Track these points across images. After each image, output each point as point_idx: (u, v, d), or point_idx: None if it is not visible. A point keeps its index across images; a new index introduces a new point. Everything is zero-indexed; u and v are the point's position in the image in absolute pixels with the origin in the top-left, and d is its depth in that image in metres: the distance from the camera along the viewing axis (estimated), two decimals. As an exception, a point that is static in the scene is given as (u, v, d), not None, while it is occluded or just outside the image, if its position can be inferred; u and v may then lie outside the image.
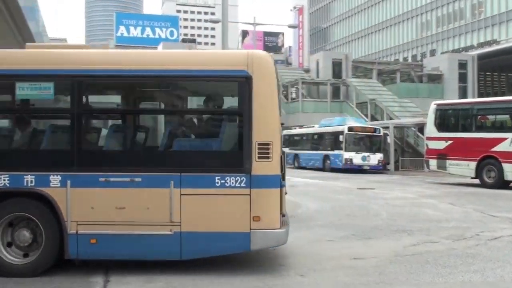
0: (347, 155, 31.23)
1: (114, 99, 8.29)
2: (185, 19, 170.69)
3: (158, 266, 7.38)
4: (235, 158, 6.73)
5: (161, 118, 8.04)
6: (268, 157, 6.65)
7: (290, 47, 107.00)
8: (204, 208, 6.68)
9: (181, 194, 6.66)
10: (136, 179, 6.70)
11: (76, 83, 6.89)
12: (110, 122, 8.14)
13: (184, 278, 6.75)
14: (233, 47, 69.40)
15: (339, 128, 32.43)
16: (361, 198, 16.80)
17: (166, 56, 7.44)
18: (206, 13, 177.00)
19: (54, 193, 6.71)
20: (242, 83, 6.74)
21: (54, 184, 6.73)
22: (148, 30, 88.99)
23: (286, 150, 39.34)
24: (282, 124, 8.19)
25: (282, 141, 8.53)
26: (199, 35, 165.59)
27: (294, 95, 50.69)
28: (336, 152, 32.13)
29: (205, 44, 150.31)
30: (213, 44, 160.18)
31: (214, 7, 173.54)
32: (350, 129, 31.79)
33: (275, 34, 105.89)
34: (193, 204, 6.67)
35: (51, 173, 6.74)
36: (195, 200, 6.67)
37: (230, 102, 7.17)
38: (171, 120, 7.59)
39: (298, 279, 6.88)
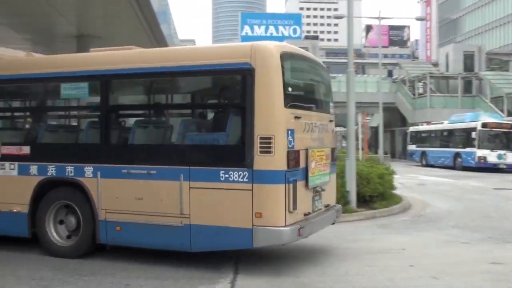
0: (480, 152, 29.40)
1: (132, 97, 8.74)
2: (308, 16, 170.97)
3: (284, 260, 7.46)
4: (238, 152, 6.55)
5: (173, 113, 8.18)
6: (269, 152, 6.36)
7: (416, 40, 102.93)
8: (211, 202, 6.64)
9: (190, 188, 6.70)
10: (152, 172, 6.94)
11: (101, 82, 7.51)
12: (131, 118, 8.43)
13: (312, 273, 6.76)
14: (357, 43, 68.26)
15: (472, 124, 30.61)
16: (497, 199, 15.72)
17: (174, 53, 7.63)
18: (329, 9, 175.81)
19: (88, 183, 7.32)
20: (245, 76, 6.56)
21: (88, 175, 7.33)
22: (271, 29, 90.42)
23: (413, 147, 38.04)
24: (331, 118, 8.17)
25: (336, 137, 8.35)
26: (321, 32, 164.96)
27: (421, 90, 48.68)
28: (468, 149, 30.38)
29: (328, 41, 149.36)
30: (336, 40, 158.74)
31: (337, 2, 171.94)
32: (484, 125, 29.89)
33: (401, 28, 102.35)
34: (201, 197, 6.68)
35: (85, 164, 7.35)
36: (202, 194, 6.68)
37: (236, 95, 7.01)
38: (180, 115, 7.85)
39: (431, 281, 6.58)
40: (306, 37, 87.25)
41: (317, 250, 8.29)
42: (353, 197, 12.07)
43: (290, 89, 6.72)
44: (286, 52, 6.87)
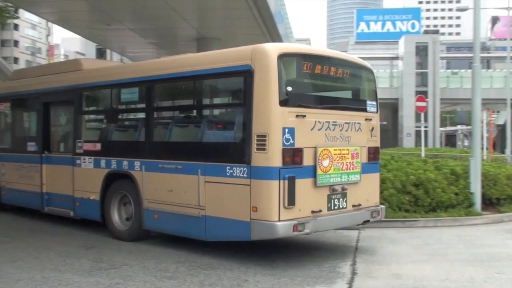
0: None
1: (161, 101, 9.35)
2: (428, 10, 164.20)
3: (404, 264, 7.23)
4: (240, 149, 6.90)
5: (191, 113, 8.79)
6: (264, 149, 6.63)
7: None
8: (220, 195, 7.14)
9: (205, 182, 7.29)
10: (178, 166, 7.68)
11: (140, 88, 8.77)
12: (163, 119, 9.23)
13: (434, 277, 6.48)
14: (482, 37, 64.31)
15: None
16: None
17: (189, 59, 8.24)
18: (450, 1, 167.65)
19: (136, 175, 8.38)
20: (246, 77, 6.88)
21: (136, 168, 8.40)
22: (388, 24, 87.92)
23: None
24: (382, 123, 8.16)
25: (374, 135, 8.15)
26: (442, 26, 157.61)
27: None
28: None
29: (449, 35, 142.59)
30: (457, 34, 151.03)
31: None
32: None
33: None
34: (213, 190, 7.22)
35: (135, 159, 8.43)
36: (213, 187, 7.21)
37: (240, 96, 7.28)
38: (196, 115, 8.53)
39: None
40: (426, 32, 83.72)
41: (437, 253, 7.97)
42: (477, 199, 11.41)
43: (290, 88, 6.91)
44: (286, 53, 6.98)
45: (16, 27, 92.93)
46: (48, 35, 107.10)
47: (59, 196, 10.01)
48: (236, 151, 6.99)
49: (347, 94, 8.26)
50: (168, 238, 8.63)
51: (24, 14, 67.06)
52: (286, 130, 6.70)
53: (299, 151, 6.85)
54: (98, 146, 9.26)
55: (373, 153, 8.08)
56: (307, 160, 6.92)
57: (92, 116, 10.63)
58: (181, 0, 16.74)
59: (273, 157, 6.62)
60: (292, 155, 6.76)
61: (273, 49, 6.88)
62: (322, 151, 7.08)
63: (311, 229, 6.90)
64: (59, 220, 10.39)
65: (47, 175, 10.33)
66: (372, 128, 8.13)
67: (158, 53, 26.61)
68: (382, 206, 8.37)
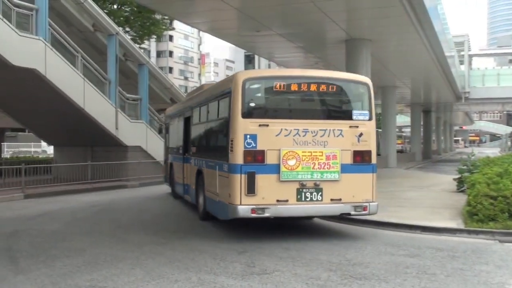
0: None
1: (196, 119, 13.33)
2: None
3: None
4: (226, 151, 9.43)
5: (210, 124, 11.62)
6: (232, 150, 9.16)
7: None
8: (221, 184, 9.82)
9: (218, 175, 10.04)
10: (210, 163, 10.75)
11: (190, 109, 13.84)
12: (208, 128, 11.91)
13: None
14: None
15: None
16: None
17: (208, 89, 12.77)
18: None
19: (204, 170, 11.52)
20: (229, 97, 9.49)
21: (203, 165, 11.61)
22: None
23: None
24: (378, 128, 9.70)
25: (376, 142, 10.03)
26: None
27: None
28: None
29: None
30: None
31: None
32: None
33: None
34: (220, 181, 9.91)
35: (203, 158, 11.71)
36: (220, 179, 9.91)
37: (228, 111, 9.70)
38: (214, 125, 11.24)
39: None
40: None
41: None
42: None
43: (252, 104, 9.30)
44: (250, 78, 9.48)
45: (171, 38, 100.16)
46: (199, 44, 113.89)
47: (187, 186, 13.97)
48: (224, 152, 9.52)
49: (324, 105, 9.90)
50: (317, 245, 8.66)
51: (178, 25, 71.78)
52: (248, 136, 9.04)
53: (261, 152, 9.07)
54: (194, 149, 13.09)
55: (360, 156, 9.53)
56: (271, 159, 9.08)
57: (192, 127, 13.76)
58: (330, 1, 16.73)
59: (238, 157, 9.03)
60: (254, 155, 9.02)
61: (240, 75, 9.52)
62: (287, 153, 9.14)
63: (272, 214, 9.07)
64: (211, 221, 11.28)
65: (186, 171, 14.17)
66: (361, 134, 9.56)
67: (306, 57, 26.93)
68: (373, 203, 9.59)
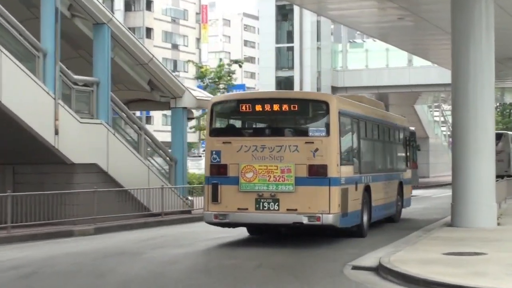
0: None
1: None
2: None
3: None
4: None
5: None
6: (204, 165, 14.47)
7: None
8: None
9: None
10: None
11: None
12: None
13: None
14: None
15: None
16: None
17: None
18: None
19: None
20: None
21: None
22: None
23: None
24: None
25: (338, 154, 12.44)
26: None
27: None
28: None
29: None
30: None
31: None
32: None
33: None
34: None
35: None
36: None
37: None
38: None
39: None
40: None
41: None
42: None
43: (218, 125, 13.20)
44: (218, 101, 13.79)
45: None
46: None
47: None
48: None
49: (283, 123, 13.18)
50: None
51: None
52: (214, 152, 12.49)
53: (224, 166, 12.31)
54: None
55: (316, 169, 11.88)
56: (232, 172, 12.19)
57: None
58: None
59: (206, 170, 12.82)
60: (218, 168, 12.36)
61: (213, 99, 14.92)
62: (245, 166, 12.08)
63: (231, 220, 12.27)
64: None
65: None
66: (316, 149, 11.94)
67: (382, 7, 21.38)
68: (329, 215, 11.79)
